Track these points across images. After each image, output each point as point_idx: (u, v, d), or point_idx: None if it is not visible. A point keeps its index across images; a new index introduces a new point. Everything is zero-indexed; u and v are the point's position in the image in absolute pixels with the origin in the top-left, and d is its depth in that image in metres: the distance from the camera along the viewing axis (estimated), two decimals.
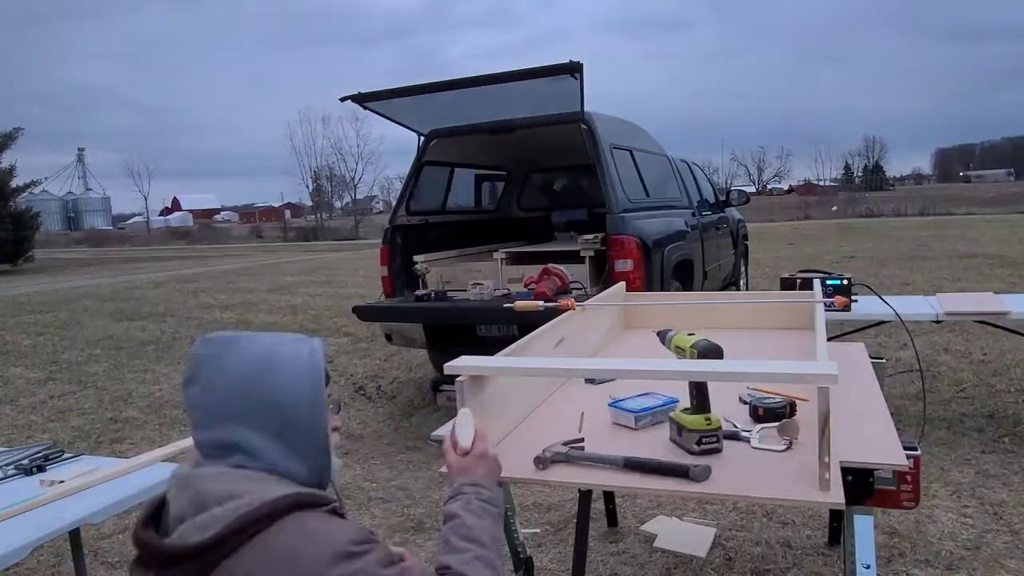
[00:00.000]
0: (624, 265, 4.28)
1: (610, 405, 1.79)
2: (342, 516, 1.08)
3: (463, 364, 1.54)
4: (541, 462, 1.48)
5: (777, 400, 1.71)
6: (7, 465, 2.03)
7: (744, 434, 1.57)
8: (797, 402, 1.72)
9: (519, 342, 1.87)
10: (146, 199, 65.81)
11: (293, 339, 1.13)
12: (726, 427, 1.57)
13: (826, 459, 1.23)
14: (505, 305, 2.89)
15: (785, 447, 1.48)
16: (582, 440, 1.58)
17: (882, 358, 2.32)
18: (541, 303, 2.51)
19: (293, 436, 1.07)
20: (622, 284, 3.17)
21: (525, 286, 4.53)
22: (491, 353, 1.77)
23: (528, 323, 2.34)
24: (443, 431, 1.44)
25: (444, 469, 1.35)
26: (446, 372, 1.55)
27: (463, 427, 1.37)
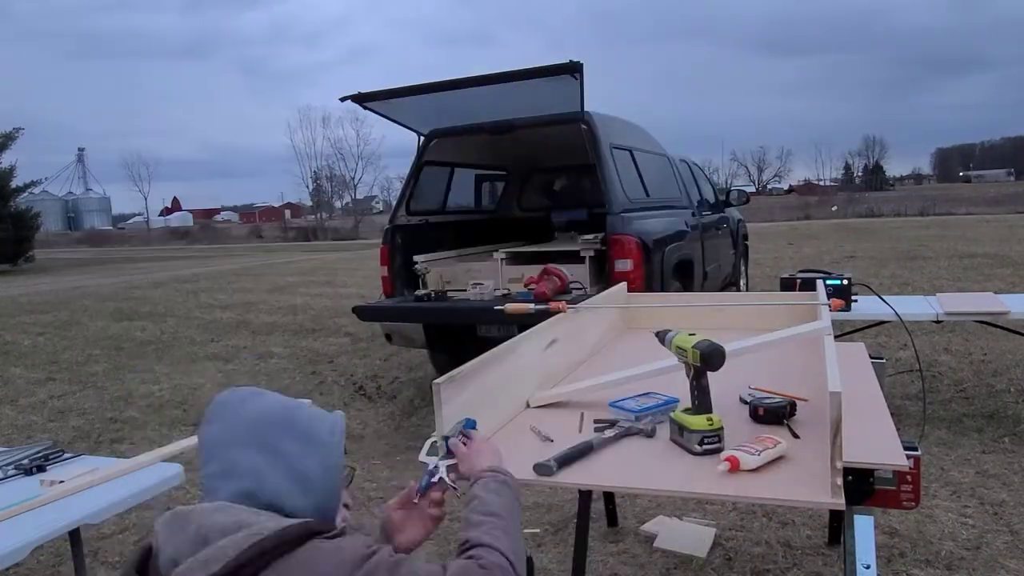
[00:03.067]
0: (624, 265, 4.28)
1: (611, 405, 1.79)
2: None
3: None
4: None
5: (777, 400, 1.71)
6: (7, 465, 2.03)
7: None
8: (797, 403, 1.72)
9: (506, 344, 1.85)
10: (146, 199, 65.91)
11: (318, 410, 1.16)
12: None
13: (838, 464, 1.23)
14: (496, 308, 2.88)
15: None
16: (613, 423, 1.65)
17: (882, 358, 2.32)
18: (532, 306, 2.50)
19: (306, 472, 1.06)
20: (623, 285, 3.17)
21: (525, 286, 4.53)
22: None
23: (527, 324, 2.34)
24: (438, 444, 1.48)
25: (451, 469, 1.39)
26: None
27: (457, 427, 1.46)
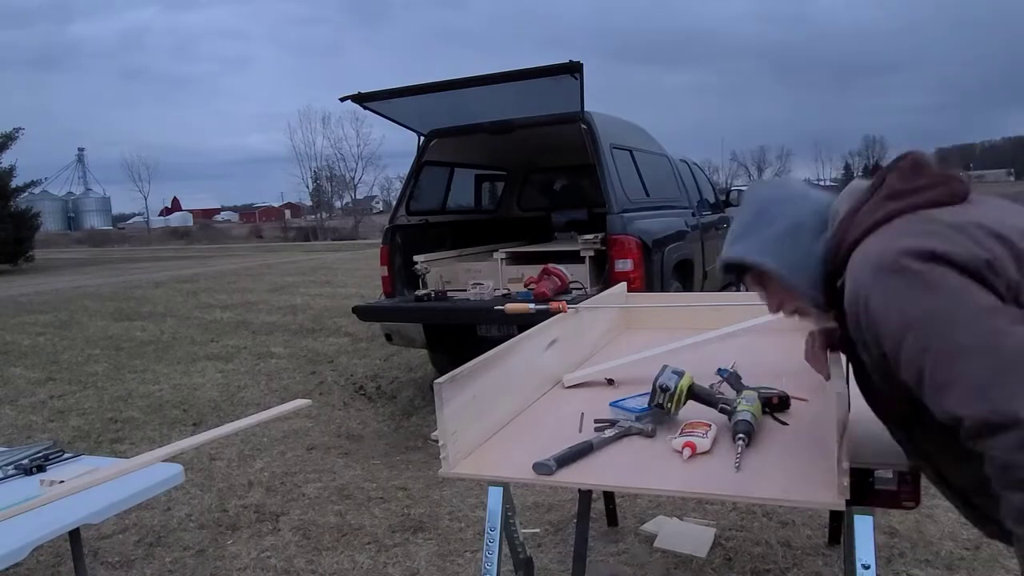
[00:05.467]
0: (624, 265, 4.28)
1: (611, 405, 1.79)
2: None
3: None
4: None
5: (773, 390, 1.74)
6: (7, 465, 2.03)
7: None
8: (795, 402, 1.73)
9: (506, 344, 1.85)
10: (146, 199, 65.80)
11: None
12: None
13: (844, 465, 1.23)
14: (496, 308, 2.88)
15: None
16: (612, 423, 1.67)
17: None
18: (532, 305, 2.51)
19: None
20: (623, 285, 3.17)
21: (525, 286, 4.53)
22: None
23: (526, 324, 2.33)
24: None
25: None
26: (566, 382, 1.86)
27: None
